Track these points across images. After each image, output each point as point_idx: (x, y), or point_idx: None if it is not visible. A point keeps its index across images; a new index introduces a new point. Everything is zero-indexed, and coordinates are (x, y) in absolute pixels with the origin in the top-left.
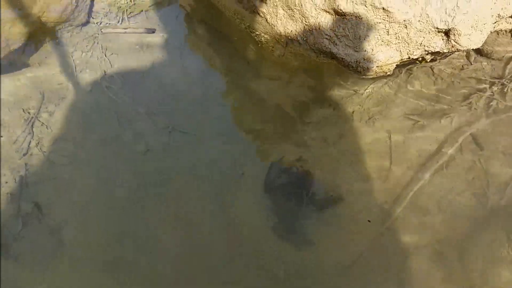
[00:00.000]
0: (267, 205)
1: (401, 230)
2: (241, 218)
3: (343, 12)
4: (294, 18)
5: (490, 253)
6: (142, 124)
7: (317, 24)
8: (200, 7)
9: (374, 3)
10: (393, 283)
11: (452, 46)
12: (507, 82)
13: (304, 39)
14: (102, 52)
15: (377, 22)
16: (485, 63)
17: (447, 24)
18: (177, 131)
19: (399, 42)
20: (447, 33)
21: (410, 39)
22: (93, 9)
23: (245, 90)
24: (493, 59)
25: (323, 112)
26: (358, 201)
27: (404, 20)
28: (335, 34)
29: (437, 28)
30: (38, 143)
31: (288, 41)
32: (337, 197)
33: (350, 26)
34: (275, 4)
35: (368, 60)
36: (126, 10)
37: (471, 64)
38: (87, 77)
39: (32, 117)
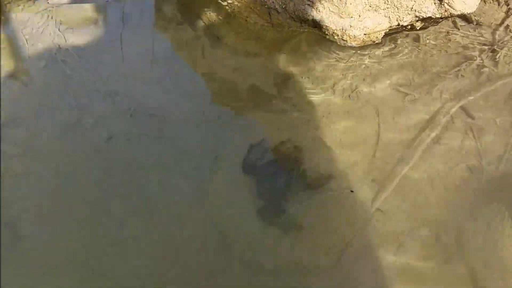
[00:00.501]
0: (249, 188)
1: (393, 211)
2: (220, 206)
3: None
4: None
5: (490, 229)
6: (102, 105)
7: None
8: None
9: None
10: (388, 269)
11: (445, 11)
12: (498, 48)
13: (283, 6)
14: (56, 27)
15: None
16: (473, 31)
17: None
18: (142, 114)
19: (388, 7)
20: None
21: (400, 3)
22: None
23: (218, 68)
24: (481, 26)
25: (304, 87)
26: (349, 180)
27: None
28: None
29: None
30: None
31: (270, 11)
32: (328, 176)
33: None
34: None
35: (355, 27)
36: None
37: (459, 30)
38: (39, 51)
39: None
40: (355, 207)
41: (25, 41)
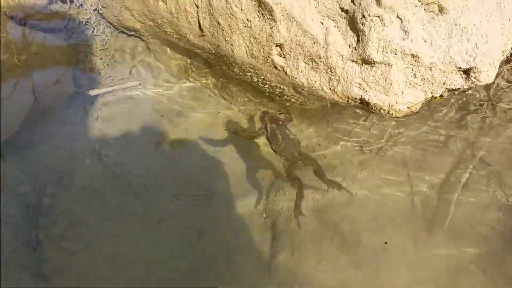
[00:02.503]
0: None
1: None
2: None
3: (373, 61)
4: (318, 70)
5: None
6: (149, 195)
7: (345, 74)
8: (198, 59)
9: (404, 51)
10: None
11: (472, 83)
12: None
13: (331, 88)
14: (94, 120)
15: (405, 67)
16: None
17: (468, 64)
18: (186, 196)
19: (424, 83)
20: (467, 71)
21: (434, 79)
22: (75, 76)
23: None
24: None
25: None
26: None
27: (430, 63)
28: (365, 81)
29: (459, 68)
30: (46, 235)
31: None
32: None
33: (380, 73)
34: (295, 58)
35: (400, 102)
36: (106, 72)
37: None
38: (81, 148)
39: (34, 204)
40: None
41: (66, 139)
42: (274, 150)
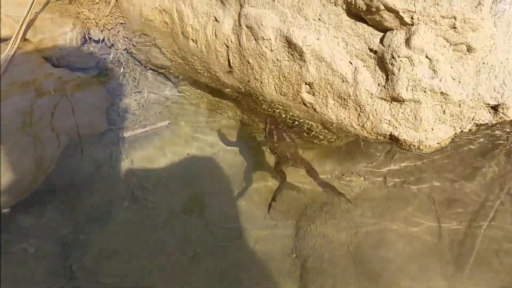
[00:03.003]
0: None
1: None
2: None
3: (402, 99)
4: (347, 107)
5: None
6: (187, 230)
7: (374, 111)
8: (227, 97)
9: (433, 89)
10: None
11: (500, 118)
12: None
13: (361, 124)
14: (129, 161)
15: (435, 104)
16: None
17: (496, 100)
18: (220, 227)
19: (453, 119)
20: (495, 107)
21: (463, 115)
22: (110, 117)
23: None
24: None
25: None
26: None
27: (459, 100)
28: (394, 118)
29: (487, 104)
30: (81, 268)
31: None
32: None
33: (410, 110)
34: (325, 95)
35: (430, 138)
36: (138, 112)
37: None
38: (119, 191)
39: (70, 241)
40: None
41: (103, 181)
42: (269, 149)
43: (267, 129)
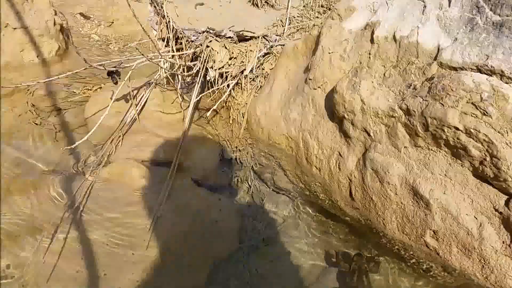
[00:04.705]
0: None
1: None
2: None
3: None
4: (471, 257)
5: None
6: None
7: (499, 266)
8: (345, 225)
9: None
10: None
11: None
12: None
13: (484, 276)
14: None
15: None
16: None
17: None
18: None
19: None
20: None
21: None
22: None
23: None
24: None
25: None
26: None
27: None
28: None
29: None
30: None
31: None
32: None
33: None
34: (449, 243)
35: None
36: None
37: None
38: None
39: None
40: None
41: None
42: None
43: (351, 267)
